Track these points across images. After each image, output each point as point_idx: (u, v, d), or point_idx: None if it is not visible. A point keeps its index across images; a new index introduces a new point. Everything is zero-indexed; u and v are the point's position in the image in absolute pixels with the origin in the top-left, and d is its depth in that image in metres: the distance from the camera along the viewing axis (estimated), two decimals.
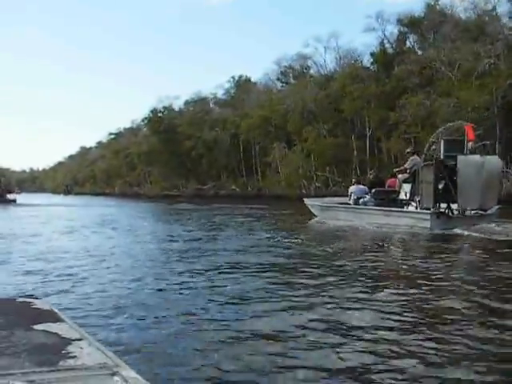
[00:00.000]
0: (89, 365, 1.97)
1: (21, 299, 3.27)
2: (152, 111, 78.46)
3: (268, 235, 16.30)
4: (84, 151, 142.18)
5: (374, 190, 19.09)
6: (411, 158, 18.31)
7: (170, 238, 15.97)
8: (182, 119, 75.92)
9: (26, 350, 2.11)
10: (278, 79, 65.91)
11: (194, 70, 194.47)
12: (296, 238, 15.11)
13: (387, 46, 51.67)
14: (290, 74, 65.11)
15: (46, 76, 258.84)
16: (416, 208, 17.02)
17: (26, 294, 5.71)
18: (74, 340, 2.25)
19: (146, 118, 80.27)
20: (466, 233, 14.84)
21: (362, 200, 19.30)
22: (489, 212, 16.51)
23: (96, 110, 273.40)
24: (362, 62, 53.48)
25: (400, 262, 10.83)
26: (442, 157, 16.93)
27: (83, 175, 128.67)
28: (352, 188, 20.46)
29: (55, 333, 2.35)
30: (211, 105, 78.01)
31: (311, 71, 62.07)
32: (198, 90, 79.37)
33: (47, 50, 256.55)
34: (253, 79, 75.50)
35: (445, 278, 8.59)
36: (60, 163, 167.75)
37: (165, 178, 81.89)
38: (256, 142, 63.04)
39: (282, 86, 65.96)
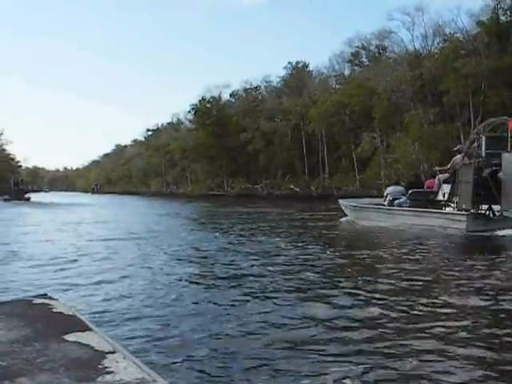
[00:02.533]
0: (126, 380, 1.96)
1: (38, 300, 3.12)
2: (200, 101, 68.03)
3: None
4: (119, 149, 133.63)
5: (410, 191, 18.38)
6: (455, 157, 17.13)
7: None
8: (234, 110, 66.03)
9: (62, 364, 2.07)
10: (350, 61, 55.09)
11: (235, 65, 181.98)
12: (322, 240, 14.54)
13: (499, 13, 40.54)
14: (363, 55, 54.43)
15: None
16: (454, 209, 16.01)
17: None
18: (107, 353, 2.21)
19: (192, 109, 69.69)
20: (507, 234, 13.82)
21: (397, 201, 18.37)
22: None
23: (132, 106, 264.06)
24: (467, 34, 42.00)
25: (432, 266, 9.87)
26: (483, 155, 15.75)
27: (117, 174, 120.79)
28: (389, 189, 19.53)
29: (87, 344, 2.31)
30: (264, 93, 67.60)
31: (390, 50, 51.22)
32: (246, 78, 69.97)
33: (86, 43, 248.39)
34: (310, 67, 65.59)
35: (485, 284, 7.73)
36: (95, 162, 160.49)
37: (209, 175, 71.68)
38: (324, 134, 52.58)
39: (353, 69, 55.25)
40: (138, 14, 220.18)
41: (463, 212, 15.27)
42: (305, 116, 54.87)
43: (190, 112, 71.71)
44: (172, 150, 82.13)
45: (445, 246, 13.16)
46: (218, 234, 16.83)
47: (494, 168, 15.11)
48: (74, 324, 2.58)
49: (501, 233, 14.20)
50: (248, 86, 67.96)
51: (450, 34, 43.42)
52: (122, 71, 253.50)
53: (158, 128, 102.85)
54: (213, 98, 68.01)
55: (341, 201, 21.98)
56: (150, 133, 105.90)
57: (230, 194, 64.68)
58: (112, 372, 1.97)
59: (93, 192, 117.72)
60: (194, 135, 71.61)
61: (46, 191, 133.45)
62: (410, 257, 10.90)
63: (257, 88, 67.91)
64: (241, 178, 66.06)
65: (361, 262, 10.38)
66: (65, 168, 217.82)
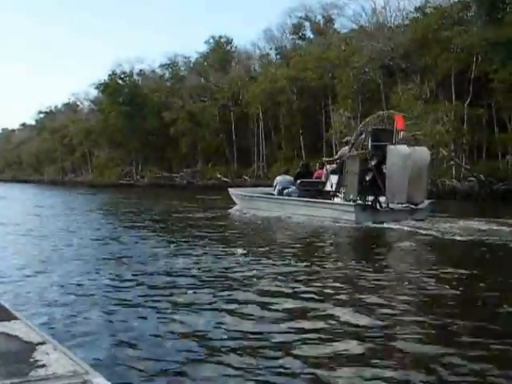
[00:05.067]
0: (59, 373, 1.86)
1: None
2: (110, 75, 56.68)
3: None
4: (6, 133, 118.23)
5: (299, 181, 17.79)
6: (343, 148, 17.30)
7: None
8: (150, 87, 55.73)
9: None
10: (295, 32, 46.46)
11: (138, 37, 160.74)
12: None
13: None
14: (308, 28, 46.19)
15: None
16: (341, 200, 15.93)
17: None
18: (37, 344, 2.11)
19: (101, 84, 58.05)
20: (393, 227, 13.98)
21: (286, 191, 17.96)
22: (420, 206, 15.42)
23: (17, 87, 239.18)
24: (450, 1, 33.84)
25: (318, 257, 9.77)
26: (369, 147, 15.68)
27: (5, 160, 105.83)
28: (278, 178, 19.08)
29: (15, 335, 2.20)
30: (184, 69, 57.89)
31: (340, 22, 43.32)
32: (163, 52, 59.82)
33: None
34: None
35: (366, 275, 7.79)
36: None
37: (120, 162, 61.11)
38: (261, 116, 43.89)
39: (295, 43, 46.86)
40: None
41: (351, 203, 15.25)
42: (236, 95, 46.27)
43: (98, 89, 59.89)
44: (71, 133, 70.53)
45: (333, 237, 13.04)
46: None
47: (379, 160, 15.10)
48: None
49: (388, 225, 14.20)
50: (165, 62, 57.89)
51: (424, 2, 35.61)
52: None
53: (51, 111, 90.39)
54: (124, 73, 57.26)
55: (230, 190, 21.56)
56: (42, 115, 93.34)
57: (140, 184, 55.16)
58: (44, 365, 1.84)
59: None
60: (100, 116, 60.76)
61: None
62: (295, 247, 10.85)
63: (174, 64, 58.00)
64: (153, 166, 56.35)
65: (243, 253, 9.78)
66: None
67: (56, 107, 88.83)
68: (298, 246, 11.32)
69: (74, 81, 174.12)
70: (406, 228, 13.55)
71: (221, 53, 54.35)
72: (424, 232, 12.88)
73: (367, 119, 16.96)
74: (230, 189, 21.88)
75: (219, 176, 48.07)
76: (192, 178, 51.12)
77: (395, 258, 10.52)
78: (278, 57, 46.76)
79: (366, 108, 32.72)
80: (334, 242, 12.29)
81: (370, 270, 8.25)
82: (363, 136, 16.09)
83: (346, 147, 16.39)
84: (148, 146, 55.47)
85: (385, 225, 14.23)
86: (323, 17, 44.35)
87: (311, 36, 45.47)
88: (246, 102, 44.27)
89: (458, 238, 12.01)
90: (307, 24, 45.81)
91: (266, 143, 45.04)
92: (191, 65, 57.19)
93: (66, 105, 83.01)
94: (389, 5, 38.03)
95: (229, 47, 56.27)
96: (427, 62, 31.68)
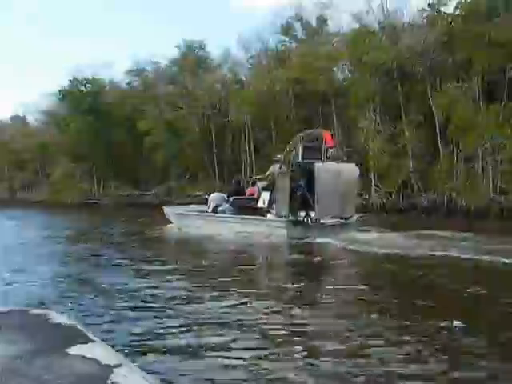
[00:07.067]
0: None
1: (35, 311, 3.13)
2: (71, 81, 50.51)
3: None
4: None
5: (232, 198, 18.08)
6: (274, 165, 17.26)
7: None
8: (117, 96, 50.17)
9: (72, 382, 1.95)
10: (286, 34, 41.91)
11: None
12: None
13: None
14: (299, 29, 41.78)
15: None
16: (274, 216, 16.19)
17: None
18: (114, 366, 2.10)
19: (60, 92, 51.46)
20: (324, 241, 14.21)
21: (220, 208, 18.15)
22: (349, 221, 15.94)
23: None
24: None
25: (248, 272, 10.34)
26: (300, 164, 16.26)
27: None
28: (212, 196, 19.20)
29: (93, 358, 2.18)
30: (153, 76, 52.18)
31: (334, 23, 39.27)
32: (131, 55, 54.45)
33: None
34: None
35: (295, 289, 8.49)
36: None
37: (79, 179, 54.98)
38: (250, 125, 39.21)
39: (284, 45, 42.50)
40: None
41: (282, 219, 15.60)
42: (219, 102, 41.62)
43: (56, 97, 53.39)
44: (21, 148, 64.00)
45: (265, 252, 13.63)
46: None
47: (308, 177, 15.59)
48: (75, 335, 2.52)
49: (318, 240, 14.38)
50: (132, 68, 52.13)
51: None
52: None
53: None
54: (86, 79, 51.18)
55: (165, 208, 21.35)
56: None
57: (105, 203, 49.31)
58: None
59: None
60: (55, 128, 55.26)
61: None
62: (225, 263, 11.52)
63: (143, 70, 52.47)
64: (118, 182, 50.74)
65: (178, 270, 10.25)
66: None
67: (1, 121, 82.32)
68: (224, 262, 11.83)
69: (21, 92, 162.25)
70: (333, 242, 13.99)
71: (193, 58, 49.42)
72: (351, 247, 13.30)
73: (295, 137, 17.03)
74: (164, 207, 21.83)
75: (198, 193, 43.02)
76: (166, 196, 45.80)
77: (319, 271, 11.21)
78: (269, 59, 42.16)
79: (391, 111, 28.50)
80: (261, 259, 12.94)
81: (289, 282, 9.21)
82: (293, 153, 16.42)
83: (277, 164, 16.71)
84: (113, 160, 49.77)
85: (315, 239, 14.57)
86: (317, 17, 40.18)
87: (303, 37, 41.09)
88: (232, 109, 39.51)
89: (378, 250, 12.69)
90: (298, 24, 41.49)
91: (254, 155, 40.19)
92: (161, 70, 51.82)
93: (14, 117, 76.56)
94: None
95: (201, 52, 51.47)
96: (466, 59, 27.90)
